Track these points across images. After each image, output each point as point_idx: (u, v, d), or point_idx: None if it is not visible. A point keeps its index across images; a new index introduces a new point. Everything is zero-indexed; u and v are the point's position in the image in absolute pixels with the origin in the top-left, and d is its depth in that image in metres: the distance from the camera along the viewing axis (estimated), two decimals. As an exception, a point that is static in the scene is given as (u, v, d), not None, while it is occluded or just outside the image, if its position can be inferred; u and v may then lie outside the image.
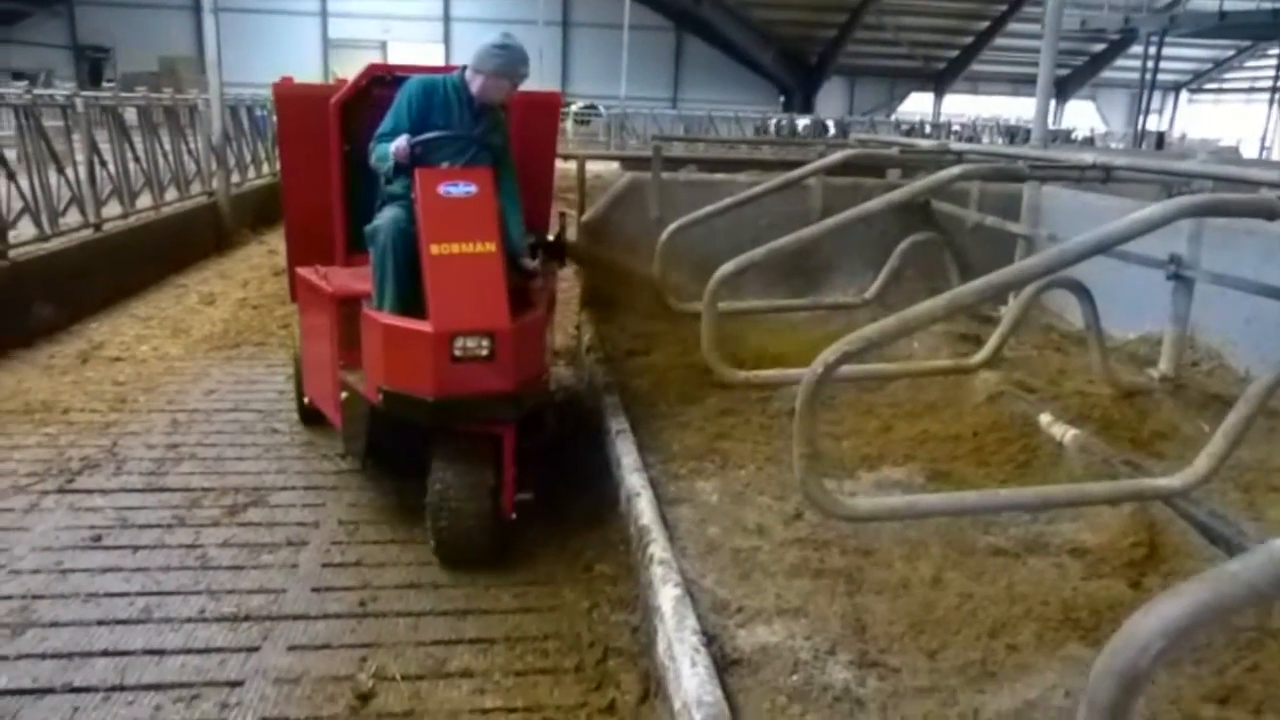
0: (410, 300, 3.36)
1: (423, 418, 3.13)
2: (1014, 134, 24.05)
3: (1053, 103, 33.88)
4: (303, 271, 3.98)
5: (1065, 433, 3.73)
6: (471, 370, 3.08)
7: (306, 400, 4.30)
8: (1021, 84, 33.23)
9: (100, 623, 2.86)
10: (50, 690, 2.54)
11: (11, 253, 5.89)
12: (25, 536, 3.38)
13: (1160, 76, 28.70)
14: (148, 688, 2.57)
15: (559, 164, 5.05)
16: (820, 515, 2.40)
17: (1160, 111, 36.33)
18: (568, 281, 7.28)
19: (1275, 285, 3.24)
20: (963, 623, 2.72)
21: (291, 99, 4.11)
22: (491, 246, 3.20)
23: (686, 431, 4.13)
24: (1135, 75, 26.41)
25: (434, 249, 3.17)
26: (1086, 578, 2.94)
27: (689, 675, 2.25)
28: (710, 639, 2.49)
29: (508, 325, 3.11)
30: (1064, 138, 20.02)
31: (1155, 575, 2.94)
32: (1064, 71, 33.37)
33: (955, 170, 3.32)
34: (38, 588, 3.05)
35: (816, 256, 6.28)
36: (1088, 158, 3.38)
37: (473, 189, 3.29)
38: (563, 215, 4.68)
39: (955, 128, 23.27)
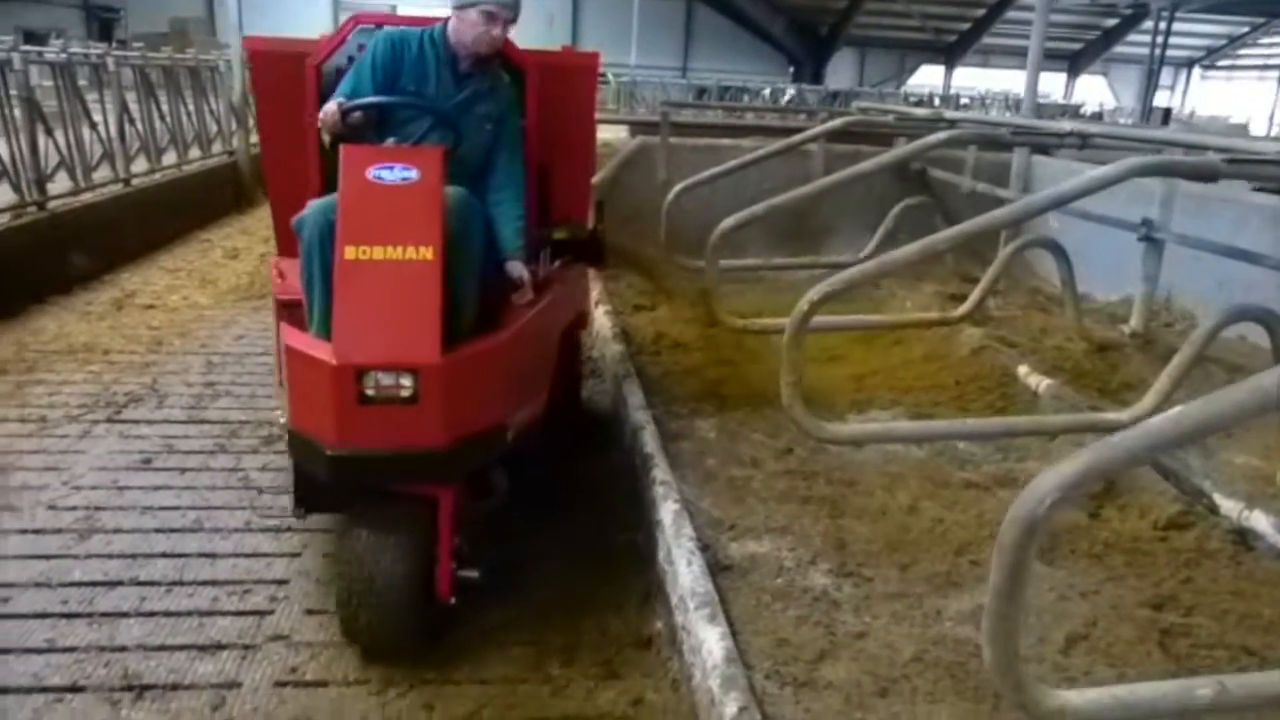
0: None
1: (320, 472, 2.41)
2: (1020, 107, 24.03)
3: (1064, 77, 33.85)
4: (277, 262, 3.36)
5: (1040, 383, 4.02)
6: (387, 416, 2.34)
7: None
8: (1033, 58, 32.97)
9: (158, 530, 3.18)
10: (119, 583, 2.87)
11: (50, 204, 6.18)
12: (82, 458, 3.70)
13: (1172, 53, 28.61)
14: (204, 583, 2.89)
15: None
16: (805, 439, 2.68)
17: (1172, 88, 36.18)
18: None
19: (1240, 248, 3.51)
20: (933, 543, 3.02)
21: (267, 57, 3.37)
22: (429, 253, 2.42)
23: (688, 378, 4.44)
24: (1147, 51, 26.36)
25: (349, 252, 2.42)
26: (1049, 507, 3.24)
27: (685, 573, 2.56)
28: (705, 547, 2.80)
29: (437, 359, 2.34)
30: (1073, 112, 20.09)
31: (1112, 506, 3.25)
32: (1076, 46, 33.20)
33: (942, 134, 3.58)
34: (99, 501, 3.37)
35: (816, 219, 6.55)
36: (1066, 126, 3.64)
37: (412, 174, 2.50)
38: (600, 206, 3.83)
39: (964, 100, 23.33)
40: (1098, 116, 24.01)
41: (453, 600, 2.55)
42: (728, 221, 3.70)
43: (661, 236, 4.96)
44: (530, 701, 2.43)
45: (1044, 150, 5.40)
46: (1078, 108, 22.96)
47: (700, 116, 6.97)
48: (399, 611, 2.44)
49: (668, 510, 2.92)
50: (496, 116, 2.95)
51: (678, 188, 4.81)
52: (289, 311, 2.84)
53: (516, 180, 2.98)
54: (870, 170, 3.59)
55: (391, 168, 2.52)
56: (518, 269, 2.86)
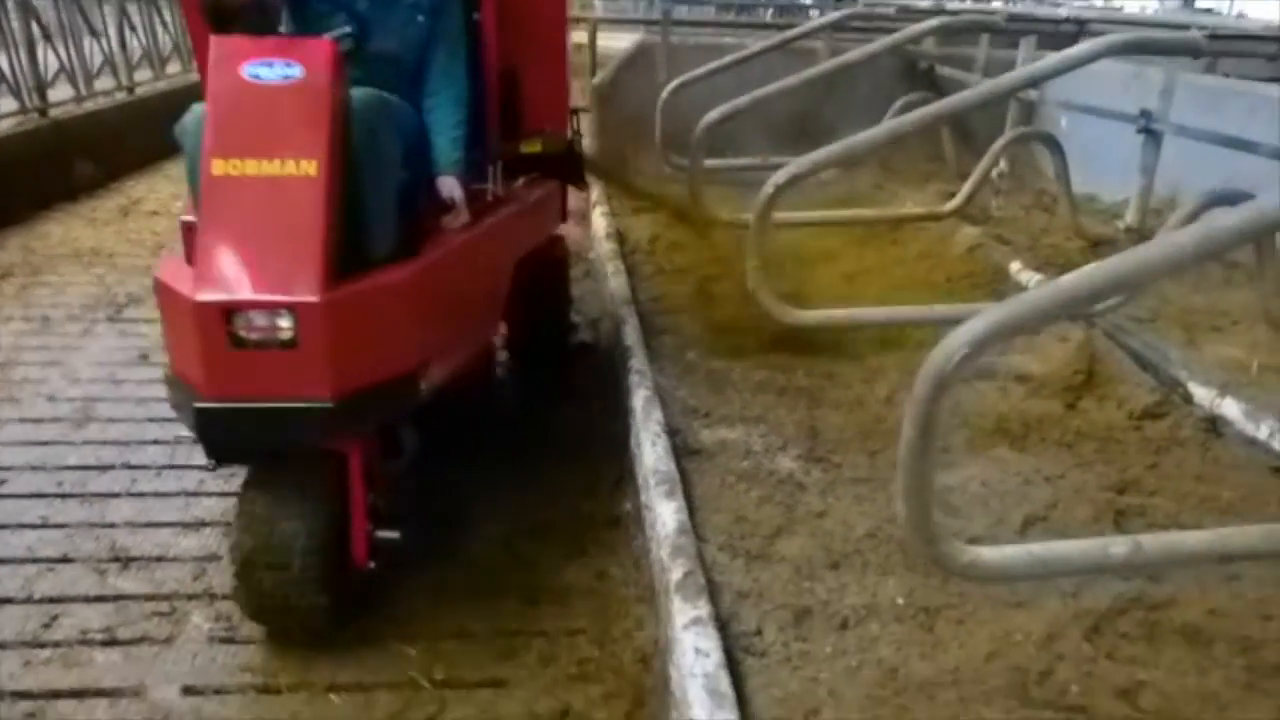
0: None
1: (192, 428, 2.07)
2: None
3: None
4: None
5: (1031, 278, 3.99)
6: (264, 363, 2.00)
7: None
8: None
9: (150, 420, 3.28)
10: (111, 467, 2.98)
11: (52, 111, 6.21)
12: (82, 354, 3.81)
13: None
14: (194, 468, 2.99)
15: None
16: (793, 332, 2.70)
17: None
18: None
19: (1234, 136, 3.41)
20: (906, 432, 3.05)
21: None
22: (313, 167, 2.01)
23: (680, 276, 4.46)
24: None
25: (216, 166, 2.02)
26: (1026, 399, 3.25)
27: (649, 453, 2.61)
28: (674, 432, 2.85)
29: (320, 294, 1.97)
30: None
31: (1090, 398, 3.25)
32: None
33: (933, 22, 3.48)
34: (96, 393, 3.47)
35: (820, 120, 6.39)
36: (1061, 12, 3.52)
37: (295, 71, 2.06)
38: (576, 114, 3.35)
39: None
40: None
41: (371, 565, 2.28)
42: (712, 115, 3.65)
43: (657, 135, 4.89)
44: (499, 577, 2.52)
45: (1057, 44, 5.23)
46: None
47: (700, 13, 6.77)
48: (306, 582, 2.11)
49: (639, 396, 2.96)
50: (431, 6, 2.53)
51: (672, 84, 4.73)
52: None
53: (456, 82, 2.56)
54: (857, 60, 3.51)
55: (270, 64, 2.07)
56: (449, 187, 2.48)
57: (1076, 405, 3.20)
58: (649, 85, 6.16)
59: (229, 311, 1.96)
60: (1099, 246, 4.07)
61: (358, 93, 2.19)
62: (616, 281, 4.04)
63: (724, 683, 1.74)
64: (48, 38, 6.40)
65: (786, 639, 2.03)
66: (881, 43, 3.62)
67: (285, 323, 1.98)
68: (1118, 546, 1.57)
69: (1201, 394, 3.00)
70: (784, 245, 4.89)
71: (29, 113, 6.02)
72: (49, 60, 6.39)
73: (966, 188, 3.73)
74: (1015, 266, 4.14)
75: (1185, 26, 2.90)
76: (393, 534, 2.29)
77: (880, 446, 2.95)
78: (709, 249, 4.91)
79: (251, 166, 2.02)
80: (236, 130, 2.06)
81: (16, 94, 5.97)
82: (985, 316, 1.41)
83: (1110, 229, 4.32)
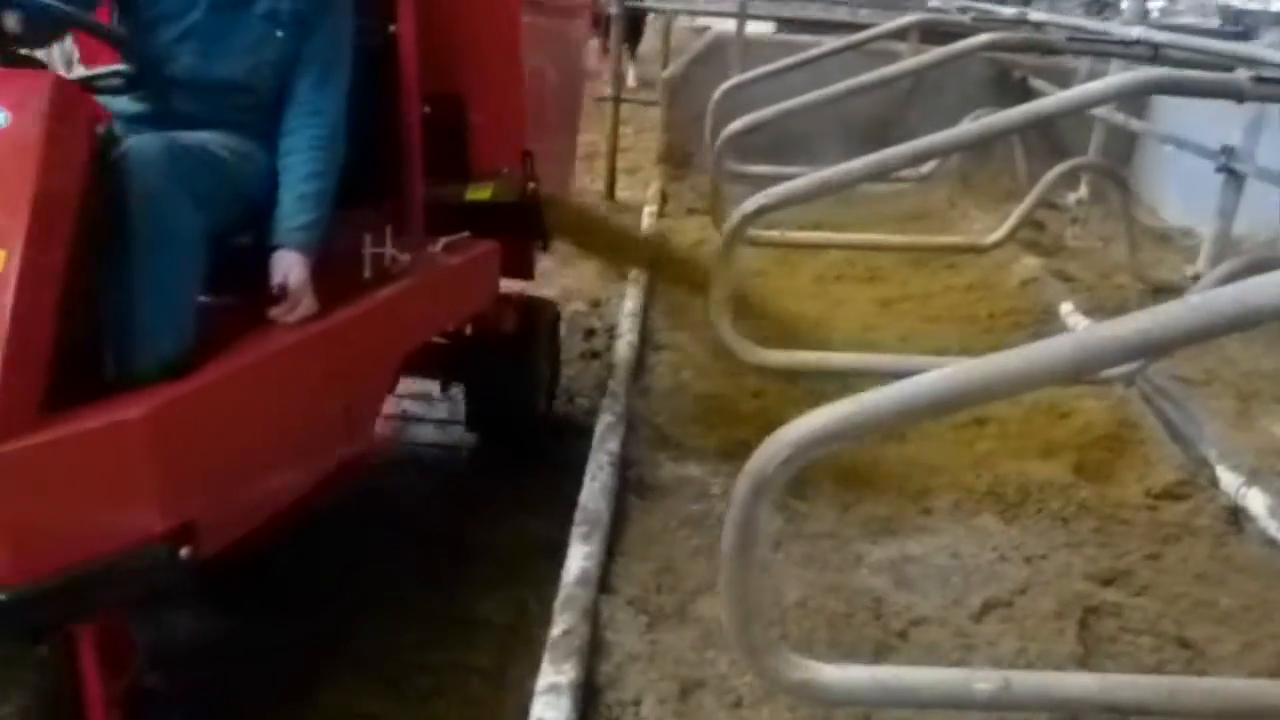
0: None
1: None
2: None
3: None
4: None
5: (1079, 324, 3.65)
6: None
7: None
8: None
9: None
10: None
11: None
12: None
13: None
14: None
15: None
16: (740, 358, 2.54)
17: None
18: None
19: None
20: (888, 485, 2.83)
21: None
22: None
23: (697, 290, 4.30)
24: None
25: None
26: (1032, 459, 2.96)
27: (587, 488, 2.50)
28: (629, 465, 2.73)
29: None
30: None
31: (1107, 468, 2.93)
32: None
33: (983, 38, 3.18)
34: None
35: (901, 131, 6.07)
36: (1134, 32, 3.15)
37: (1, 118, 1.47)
38: (527, 155, 2.54)
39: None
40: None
41: None
42: (735, 125, 3.45)
43: (706, 138, 4.70)
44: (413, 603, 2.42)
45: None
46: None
47: (780, 9, 6.49)
48: None
49: (603, 421, 2.84)
50: (294, 17, 1.92)
51: (723, 86, 4.53)
52: None
53: (320, 119, 1.94)
54: (895, 75, 3.26)
55: None
56: (285, 266, 1.84)
57: (1088, 475, 2.90)
58: (721, 81, 5.96)
59: None
60: (1160, 294, 3.69)
61: (138, 141, 1.65)
62: (631, 290, 3.91)
63: (555, 767, 1.63)
64: None
65: (664, 714, 1.89)
66: (927, 56, 3.35)
67: None
68: (982, 683, 1.37)
69: (1228, 479, 2.66)
70: (831, 262, 4.67)
71: None
72: None
73: (1012, 219, 3.43)
74: (1066, 308, 3.80)
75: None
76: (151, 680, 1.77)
77: (855, 500, 2.74)
78: (753, 258, 4.72)
79: None
80: None
81: None
82: (817, 417, 1.24)
83: (1178, 275, 3.92)
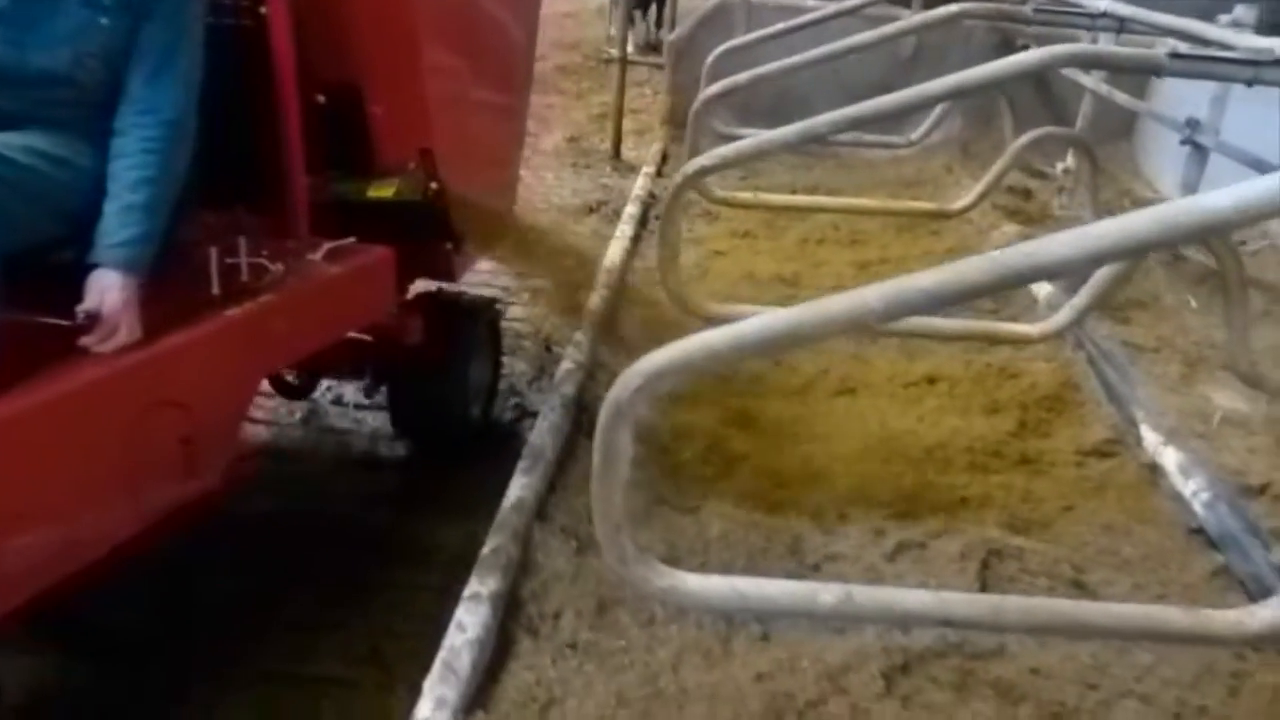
0: None
1: None
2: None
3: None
4: None
5: (1043, 289, 3.76)
6: None
7: None
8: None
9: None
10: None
11: None
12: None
13: None
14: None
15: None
16: (681, 311, 2.70)
17: None
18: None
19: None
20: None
21: None
22: None
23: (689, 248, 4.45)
24: None
25: None
26: (977, 416, 3.11)
27: (539, 426, 2.69)
28: (584, 408, 2.90)
29: None
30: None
31: (1045, 425, 3.07)
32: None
33: (953, 8, 3.27)
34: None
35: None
36: (1100, 5, 3.21)
37: None
38: (425, 154, 2.29)
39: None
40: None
41: None
42: (712, 88, 3.57)
43: (697, 103, 4.82)
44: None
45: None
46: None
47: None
48: None
49: (563, 367, 3.03)
50: (121, 1, 1.68)
51: (717, 50, 4.62)
52: None
53: (155, 118, 1.70)
54: (870, 43, 3.35)
55: None
56: (101, 288, 1.61)
57: (1027, 432, 3.04)
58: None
59: None
60: (1126, 263, 3.77)
61: None
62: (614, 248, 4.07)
63: (464, 661, 1.83)
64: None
65: (580, 626, 2.08)
66: (894, 26, 3.43)
67: None
68: (826, 594, 1.54)
69: (1150, 438, 2.79)
70: (817, 225, 4.79)
71: None
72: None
73: (979, 188, 3.52)
74: (1033, 275, 3.90)
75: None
76: None
77: (793, 449, 2.90)
78: (734, 219, 4.86)
79: None
80: None
81: None
82: (664, 353, 1.41)
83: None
